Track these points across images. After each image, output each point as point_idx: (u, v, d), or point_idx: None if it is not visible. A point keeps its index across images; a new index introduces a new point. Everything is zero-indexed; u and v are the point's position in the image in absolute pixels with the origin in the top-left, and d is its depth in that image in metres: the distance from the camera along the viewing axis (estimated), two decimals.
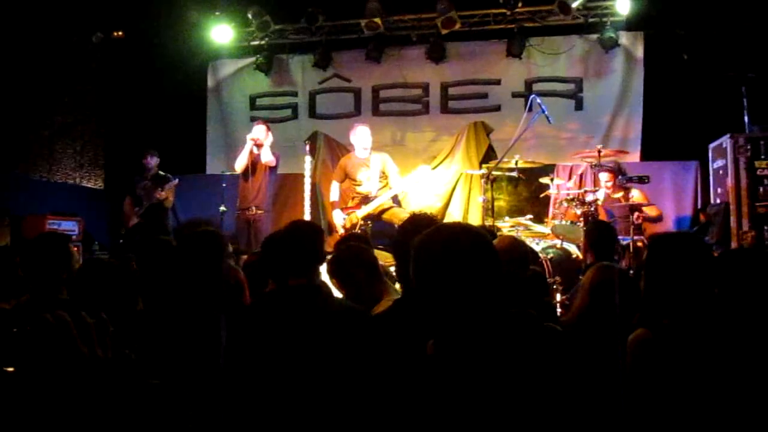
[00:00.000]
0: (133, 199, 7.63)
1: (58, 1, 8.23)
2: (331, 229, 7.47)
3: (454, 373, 1.61)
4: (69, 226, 7.31)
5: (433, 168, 8.28)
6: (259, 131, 7.23)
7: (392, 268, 3.16)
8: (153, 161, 7.67)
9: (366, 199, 7.14)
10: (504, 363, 1.60)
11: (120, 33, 9.06)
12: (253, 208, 7.13)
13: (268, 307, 2.64)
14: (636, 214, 6.20)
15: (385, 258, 4.48)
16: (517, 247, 3.26)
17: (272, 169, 7.34)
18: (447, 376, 1.62)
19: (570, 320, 2.97)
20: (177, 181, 7.51)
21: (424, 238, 1.73)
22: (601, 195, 6.55)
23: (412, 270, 1.72)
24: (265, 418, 2.33)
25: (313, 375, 2.33)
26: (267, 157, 7.18)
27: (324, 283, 3.34)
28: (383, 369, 2.09)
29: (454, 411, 1.58)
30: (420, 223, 2.46)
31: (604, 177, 6.69)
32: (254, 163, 7.22)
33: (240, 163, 7.26)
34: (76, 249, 5.44)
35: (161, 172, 7.66)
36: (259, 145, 7.20)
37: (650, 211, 6.66)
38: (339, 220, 7.23)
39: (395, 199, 7.48)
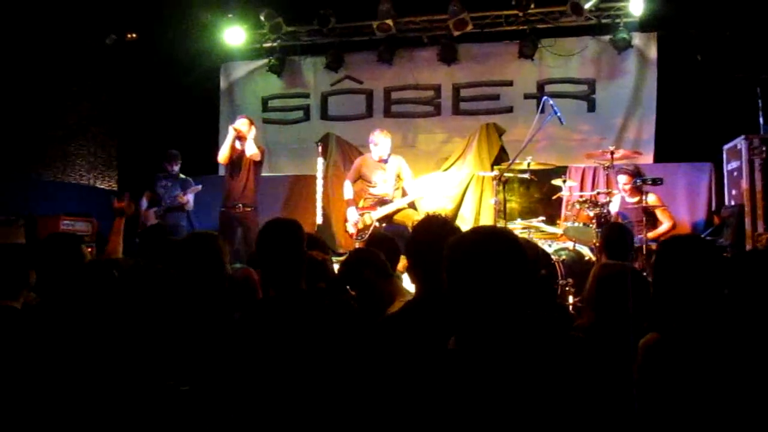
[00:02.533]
0: (152, 196, 7.65)
1: (71, 3, 8.29)
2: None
3: (476, 367, 1.67)
4: (82, 227, 7.37)
5: (445, 170, 8.26)
6: (242, 123, 7.01)
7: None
8: (177, 168, 7.74)
9: (381, 201, 7.14)
10: (524, 362, 1.64)
11: (133, 35, 9.11)
12: (241, 205, 6.92)
13: (244, 323, 2.61)
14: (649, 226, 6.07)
15: None
16: (528, 250, 3.24)
17: (257, 163, 7.08)
18: (468, 369, 1.67)
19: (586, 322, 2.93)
20: (200, 187, 7.54)
21: (460, 239, 1.82)
22: (615, 204, 6.46)
23: (446, 268, 1.78)
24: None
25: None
26: (251, 150, 6.92)
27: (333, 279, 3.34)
28: (375, 373, 2.13)
29: (473, 404, 1.60)
30: (434, 225, 2.46)
31: (622, 179, 6.51)
32: (239, 157, 7.01)
33: (222, 154, 7.03)
34: (90, 250, 5.48)
35: (182, 175, 7.71)
36: (242, 138, 6.96)
37: (663, 219, 6.56)
38: (353, 217, 7.19)
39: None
